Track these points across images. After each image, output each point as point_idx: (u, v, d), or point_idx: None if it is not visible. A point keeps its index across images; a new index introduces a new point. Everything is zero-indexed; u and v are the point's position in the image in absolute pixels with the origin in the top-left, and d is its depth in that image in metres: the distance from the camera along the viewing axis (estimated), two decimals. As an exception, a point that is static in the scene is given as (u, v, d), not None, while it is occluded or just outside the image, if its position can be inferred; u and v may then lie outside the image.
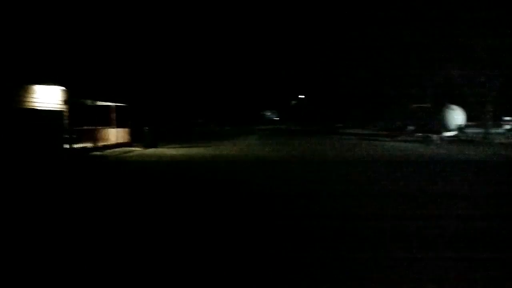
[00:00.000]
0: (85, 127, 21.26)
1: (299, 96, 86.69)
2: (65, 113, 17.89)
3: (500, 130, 30.56)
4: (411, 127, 36.83)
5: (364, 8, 43.29)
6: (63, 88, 18.28)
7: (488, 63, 27.75)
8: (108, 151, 19.92)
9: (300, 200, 8.49)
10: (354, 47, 51.66)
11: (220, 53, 71.57)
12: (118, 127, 23.39)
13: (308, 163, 15.69)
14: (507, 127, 32.72)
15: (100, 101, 21.59)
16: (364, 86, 56.51)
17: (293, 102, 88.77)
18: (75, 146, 18.59)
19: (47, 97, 18.55)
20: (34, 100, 15.63)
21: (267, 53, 74.54)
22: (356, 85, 60.40)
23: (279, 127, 71.33)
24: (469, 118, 33.80)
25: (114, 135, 22.44)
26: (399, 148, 23.23)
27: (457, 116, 32.11)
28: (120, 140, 23.08)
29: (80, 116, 22.66)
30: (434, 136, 31.61)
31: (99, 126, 22.26)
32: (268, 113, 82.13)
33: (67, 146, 17.50)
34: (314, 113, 77.07)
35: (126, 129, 24.09)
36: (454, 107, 32.44)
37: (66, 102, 18.05)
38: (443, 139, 30.26)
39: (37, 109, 15.50)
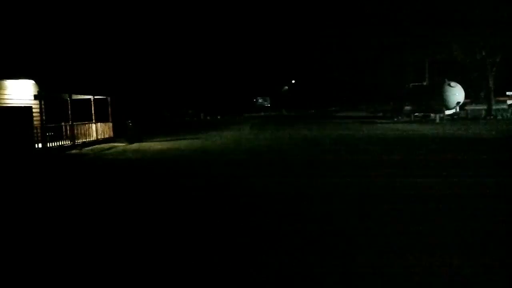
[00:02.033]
0: (62, 124, 19.60)
1: (292, 82, 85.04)
2: (35, 109, 16.23)
3: (503, 106, 29.27)
4: (408, 107, 35.45)
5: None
6: (34, 81, 16.60)
7: (489, 37, 26.31)
8: (87, 149, 18.30)
9: (303, 204, 7.03)
10: (345, 24, 50.01)
11: (209, 41, 69.59)
12: (99, 121, 21.70)
13: (307, 154, 14.25)
14: (510, 102, 31.44)
15: (78, 94, 19.86)
16: (357, 66, 55.07)
17: (285, 87, 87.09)
18: (50, 145, 16.95)
19: (15, 92, 16.89)
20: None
21: (258, 39, 72.62)
22: (349, 66, 58.87)
23: (272, 114, 69.78)
24: (467, 95, 32.50)
25: (95, 130, 20.77)
26: (401, 130, 21.84)
27: (457, 94, 30.73)
28: (102, 136, 21.43)
29: (57, 112, 20.98)
30: (434, 115, 30.32)
31: (78, 121, 20.59)
32: (260, 100, 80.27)
33: (39, 145, 15.87)
34: (306, 98, 75.55)
35: (108, 124, 22.41)
36: (454, 83, 31.06)
37: (37, 97, 16.38)
38: (444, 118, 28.97)
39: None
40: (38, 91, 16.29)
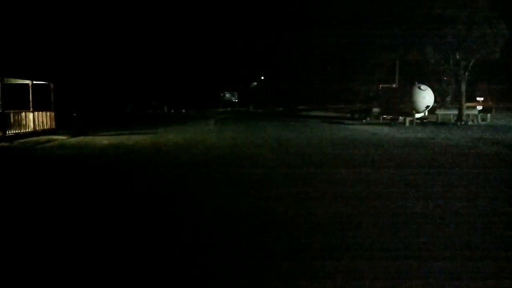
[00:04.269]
0: (1, 111, 17.06)
1: (261, 78, 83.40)
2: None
3: (473, 112, 28.73)
4: (376, 109, 34.55)
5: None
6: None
7: (464, 40, 25.54)
8: (20, 141, 15.89)
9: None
10: (313, 21, 48.94)
11: (177, 33, 66.84)
12: (39, 110, 19.21)
13: (268, 155, 12.56)
14: (479, 108, 31.04)
15: (12, 78, 17.31)
16: (326, 66, 54.21)
17: (254, 83, 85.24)
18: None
19: None
20: None
21: (227, 33, 70.48)
22: (318, 66, 57.99)
23: (238, 110, 68.03)
24: (435, 99, 31.91)
25: (32, 120, 18.30)
26: (370, 132, 20.58)
27: (426, 97, 30.02)
28: (42, 127, 18.99)
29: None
30: (402, 119, 29.48)
31: (16, 109, 18.07)
32: (228, 95, 77.93)
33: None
34: (275, 95, 74.13)
35: (50, 113, 19.95)
36: (424, 87, 30.34)
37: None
38: (413, 121, 28.11)
39: None
40: (-44, 72, 13.79)
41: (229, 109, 71.52)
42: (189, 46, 70.53)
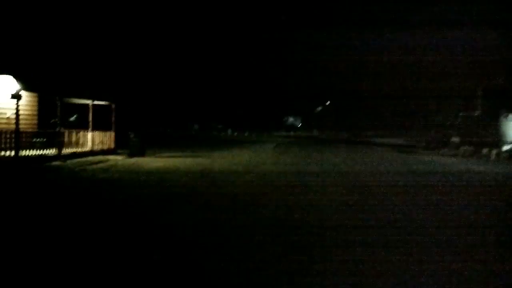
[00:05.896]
0: (57, 130, 17.10)
1: (326, 103, 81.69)
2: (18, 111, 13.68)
3: None
4: (456, 139, 31.19)
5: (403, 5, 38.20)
6: (13, 78, 14.08)
7: None
8: (73, 161, 15.61)
9: None
10: (385, 47, 46.62)
11: (244, 56, 67.73)
12: (99, 130, 19.12)
13: (328, 185, 10.82)
14: None
15: (72, 97, 17.34)
16: (398, 90, 51.24)
17: (318, 108, 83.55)
18: (28, 153, 14.39)
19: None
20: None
21: (292, 57, 70.15)
22: (388, 90, 55.10)
23: (302, 135, 66.45)
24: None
25: (90, 140, 18.15)
26: (456, 168, 17.93)
27: (515, 128, 26.50)
28: (100, 147, 18.81)
29: (48, 116, 18.67)
30: (486, 151, 26.13)
31: (75, 128, 18.16)
32: (291, 119, 76.98)
33: (11, 153, 13.28)
34: (340, 120, 71.71)
35: (110, 133, 19.80)
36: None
37: (15, 96, 13.85)
38: (500, 155, 24.69)
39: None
40: (16, 90, 13.80)
41: (291, 133, 70.27)
42: (256, 71, 71.04)
